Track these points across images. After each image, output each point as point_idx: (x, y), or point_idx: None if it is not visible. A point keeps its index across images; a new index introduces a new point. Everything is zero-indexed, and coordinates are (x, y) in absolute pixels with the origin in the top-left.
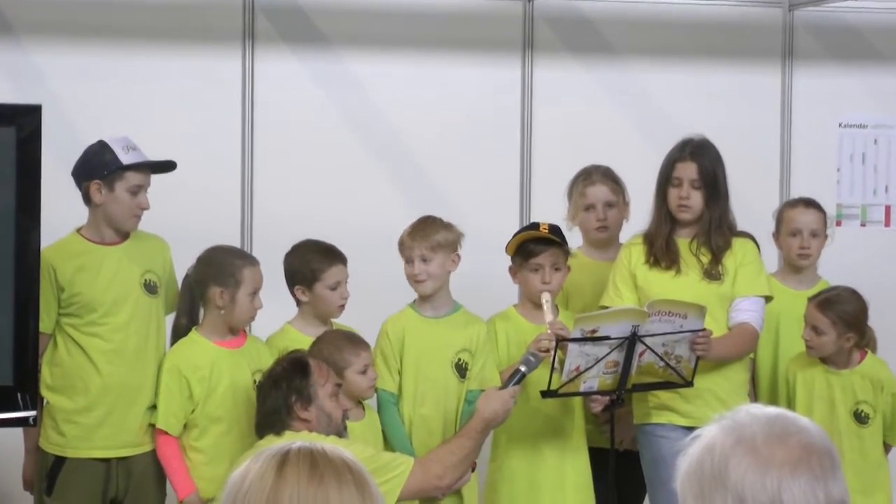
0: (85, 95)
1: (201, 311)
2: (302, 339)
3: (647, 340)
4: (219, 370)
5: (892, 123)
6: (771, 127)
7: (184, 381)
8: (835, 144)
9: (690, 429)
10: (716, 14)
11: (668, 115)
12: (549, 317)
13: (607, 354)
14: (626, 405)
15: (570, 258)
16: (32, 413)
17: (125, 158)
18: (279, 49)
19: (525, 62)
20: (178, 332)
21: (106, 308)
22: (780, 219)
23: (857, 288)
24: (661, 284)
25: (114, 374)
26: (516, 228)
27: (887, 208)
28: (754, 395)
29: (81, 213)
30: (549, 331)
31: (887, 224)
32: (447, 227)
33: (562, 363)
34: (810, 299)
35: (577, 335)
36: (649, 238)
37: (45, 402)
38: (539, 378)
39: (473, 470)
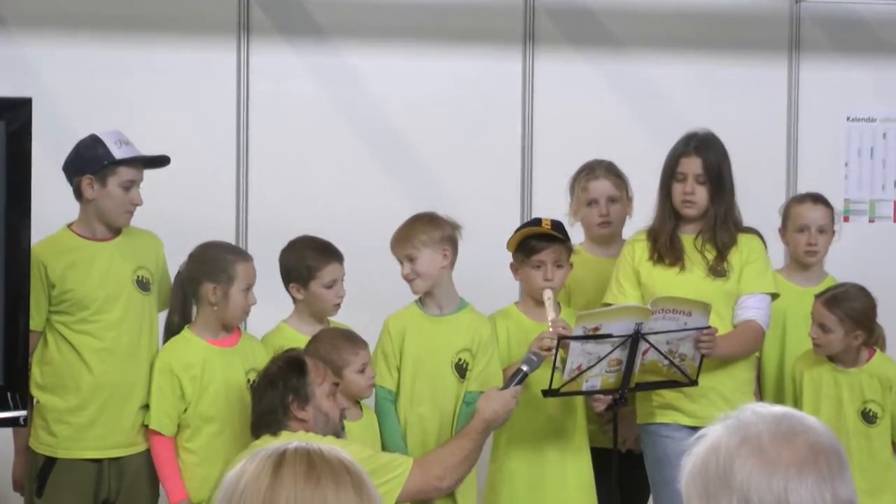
0: (77, 88)
1: (194, 309)
2: (298, 338)
3: (651, 338)
4: (211, 369)
5: None
6: (777, 121)
7: (175, 381)
8: (842, 138)
9: (695, 428)
10: (721, 5)
11: (672, 109)
12: (551, 314)
13: (610, 353)
14: (629, 404)
15: (573, 255)
16: (23, 413)
17: (118, 153)
18: (275, 41)
19: (526, 54)
20: (171, 331)
21: (98, 305)
22: (786, 214)
23: (865, 284)
24: (665, 281)
25: (106, 372)
26: (517, 224)
27: None
28: (760, 394)
29: (72, 209)
30: (550, 329)
31: None
32: (432, 223)
33: (563, 362)
34: (817, 296)
35: (580, 333)
36: (653, 234)
37: (35, 401)
38: (540, 377)
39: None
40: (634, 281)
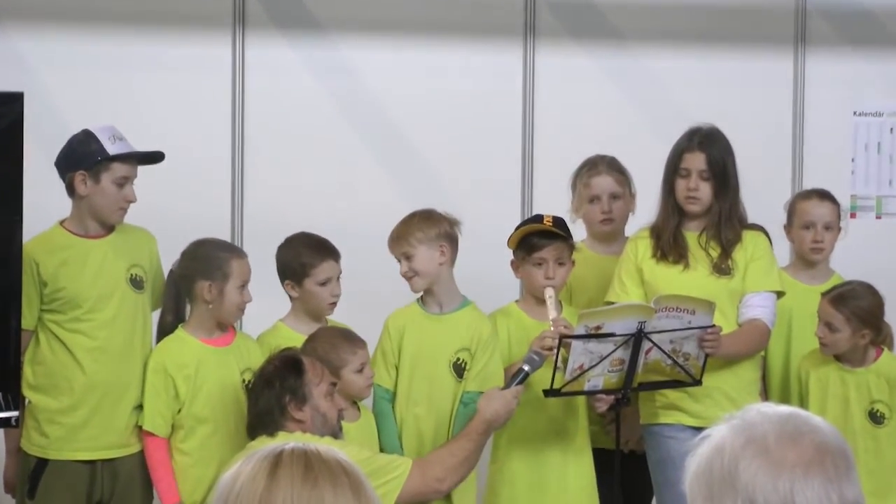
0: (70, 83)
1: (187, 309)
2: (294, 337)
3: (654, 337)
4: (205, 369)
5: None
6: (783, 115)
7: (169, 381)
8: (849, 133)
9: (699, 429)
10: None
11: (675, 103)
12: (552, 313)
13: (612, 352)
14: (632, 404)
15: (575, 252)
16: (14, 414)
17: (111, 149)
18: (271, 35)
19: (527, 48)
20: (164, 330)
21: (91, 304)
22: (791, 211)
23: (872, 282)
24: (669, 279)
25: (99, 372)
26: (518, 221)
27: None
28: (765, 394)
29: (65, 206)
30: (552, 328)
31: None
32: (428, 219)
33: (565, 361)
34: (824, 294)
35: (581, 332)
36: (656, 231)
37: (27, 401)
38: (541, 377)
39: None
40: (637, 279)
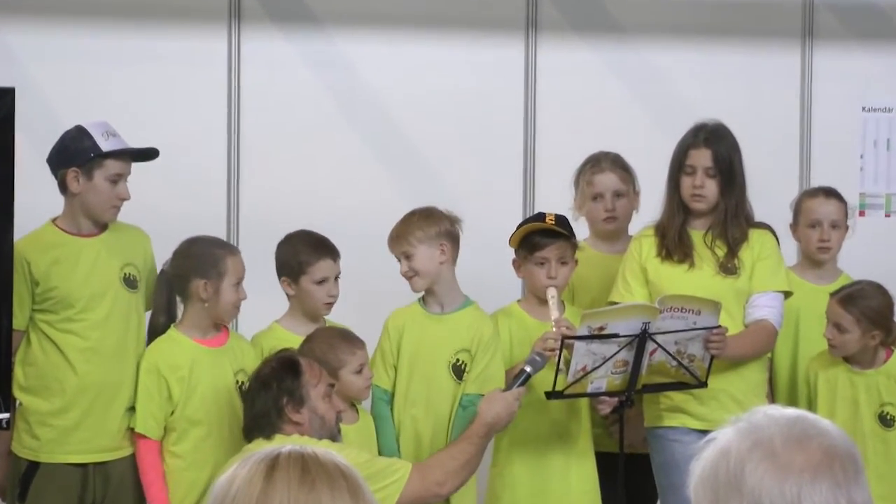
0: (62, 78)
1: (179, 309)
2: (290, 339)
3: (659, 338)
4: (199, 370)
5: None
6: (790, 111)
7: (163, 382)
8: (858, 129)
9: (704, 432)
10: None
11: (680, 99)
12: (554, 313)
13: (616, 353)
14: (635, 407)
15: (578, 251)
16: (5, 416)
17: (104, 145)
18: (267, 29)
19: (529, 42)
20: (156, 331)
21: (83, 303)
22: (798, 209)
23: (882, 282)
24: (674, 279)
25: (91, 373)
26: (520, 219)
27: None
28: (771, 396)
29: (57, 203)
30: (554, 328)
31: None
32: (428, 218)
33: (567, 363)
34: (832, 295)
35: (584, 333)
36: (661, 229)
37: (18, 403)
38: (543, 379)
39: None
40: (641, 278)
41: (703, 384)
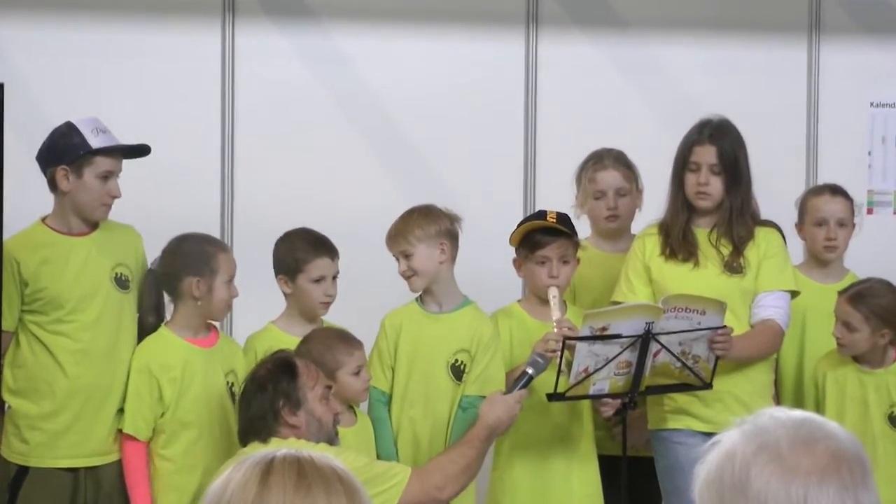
0: (51, 73)
1: (168, 309)
2: (286, 340)
3: (663, 339)
4: (191, 371)
5: None
6: (797, 106)
7: (154, 382)
8: (866, 125)
9: (709, 434)
10: None
11: (684, 94)
12: (556, 314)
13: (619, 354)
14: (639, 409)
15: (579, 250)
16: None
17: (94, 142)
18: (261, 22)
19: (529, 36)
20: (145, 332)
21: (73, 304)
22: (803, 207)
23: (891, 280)
24: (678, 278)
25: (82, 375)
26: (520, 217)
27: None
28: (777, 398)
29: (47, 202)
30: (555, 329)
31: None
32: (427, 216)
33: (569, 364)
34: (841, 293)
35: (587, 333)
36: (665, 228)
37: (7, 406)
38: (544, 381)
39: None
40: (645, 278)
41: (708, 386)
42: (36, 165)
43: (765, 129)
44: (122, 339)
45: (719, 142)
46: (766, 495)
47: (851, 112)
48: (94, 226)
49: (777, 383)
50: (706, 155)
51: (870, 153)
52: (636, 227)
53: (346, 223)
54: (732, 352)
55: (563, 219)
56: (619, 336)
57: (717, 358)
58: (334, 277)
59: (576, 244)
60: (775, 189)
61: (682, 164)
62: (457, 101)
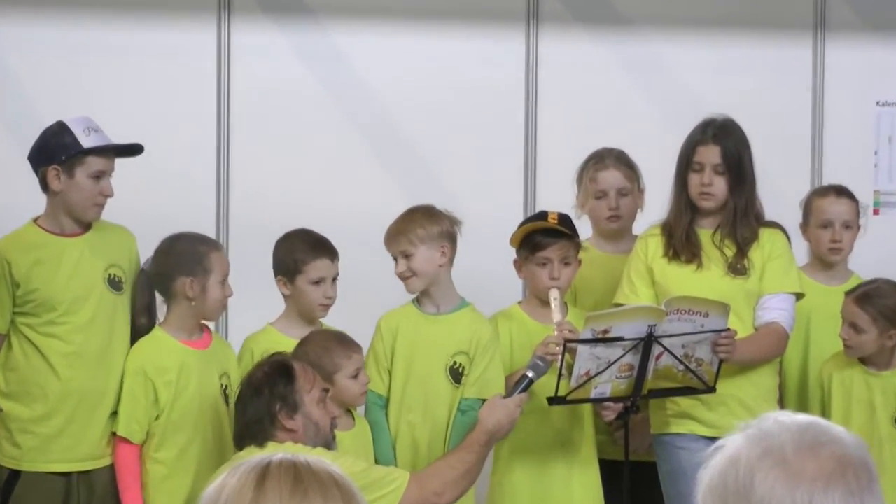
0: (43, 71)
1: (160, 310)
2: (285, 342)
3: (665, 341)
4: (187, 373)
5: None
6: (802, 105)
7: (149, 385)
8: (872, 124)
9: (713, 439)
10: None
11: (688, 93)
12: (557, 316)
13: (621, 357)
14: (641, 413)
15: (581, 251)
16: None
17: (86, 141)
18: (258, 20)
19: (530, 34)
20: (137, 333)
21: (66, 306)
22: (808, 209)
23: None
24: (681, 280)
25: (74, 378)
26: (521, 217)
27: None
28: (781, 401)
29: (39, 202)
30: (556, 332)
31: None
32: (429, 217)
33: (570, 367)
34: (848, 294)
35: (588, 336)
36: (668, 228)
37: None
38: (545, 384)
39: None
40: (647, 279)
41: (712, 389)
42: (27, 165)
43: (769, 128)
44: (115, 342)
45: (723, 141)
46: (771, 501)
47: (857, 111)
48: (86, 226)
49: (781, 386)
50: (710, 155)
51: (876, 153)
52: (638, 227)
53: (344, 223)
54: (736, 355)
55: (564, 220)
56: (620, 339)
57: (721, 361)
58: (334, 279)
59: (577, 245)
60: (780, 189)
61: (686, 163)
62: (456, 99)
